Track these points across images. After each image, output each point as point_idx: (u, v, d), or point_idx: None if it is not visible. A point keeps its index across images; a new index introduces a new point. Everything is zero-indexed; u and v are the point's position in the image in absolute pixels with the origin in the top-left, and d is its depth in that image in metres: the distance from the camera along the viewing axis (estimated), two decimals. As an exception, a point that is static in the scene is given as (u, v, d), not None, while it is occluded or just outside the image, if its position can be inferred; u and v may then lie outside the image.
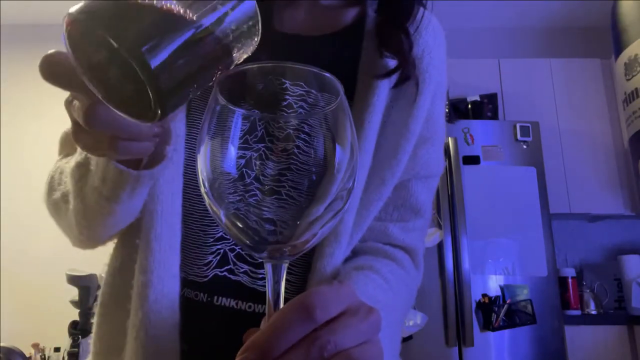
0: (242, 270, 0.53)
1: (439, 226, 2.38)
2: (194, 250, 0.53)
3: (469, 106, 2.86)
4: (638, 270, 2.71)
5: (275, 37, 0.58)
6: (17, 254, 3.00)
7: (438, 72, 0.60)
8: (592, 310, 2.70)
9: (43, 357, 2.60)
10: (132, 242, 0.52)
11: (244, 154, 0.29)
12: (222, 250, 0.53)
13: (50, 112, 3.29)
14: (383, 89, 0.56)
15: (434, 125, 0.61)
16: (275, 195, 0.29)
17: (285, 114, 0.30)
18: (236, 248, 0.53)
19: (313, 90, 0.57)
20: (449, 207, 2.41)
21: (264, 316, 0.50)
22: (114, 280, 0.55)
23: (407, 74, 0.56)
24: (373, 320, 0.30)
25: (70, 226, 0.52)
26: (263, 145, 0.29)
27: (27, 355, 2.45)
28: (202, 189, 0.30)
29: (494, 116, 2.87)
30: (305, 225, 0.30)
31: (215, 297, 0.52)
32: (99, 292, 0.56)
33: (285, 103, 0.57)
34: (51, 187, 0.54)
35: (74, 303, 2.21)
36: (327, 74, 0.30)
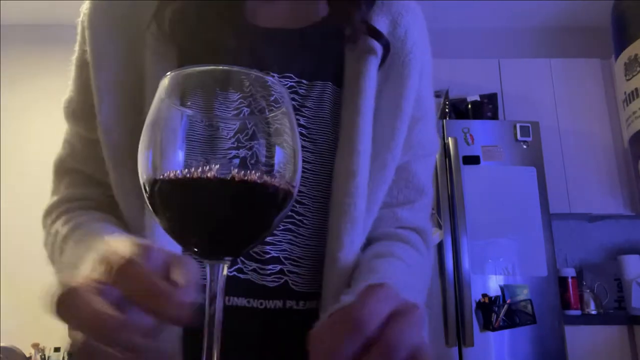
0: (250, 268, 0.53)
1: (439, 226, 2.38)
2: None
3: (469, 106, 2.86)
4: (638, 270, 2.71)
5: (259, 32, 0.58)
6: (17, 253, 3.00)
7: (421, 51, 0.61)
8: (592, 310, 2.70)
9: (43, 357, 2.60)
10: None
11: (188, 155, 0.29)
12: None
13: (50, 112, 3.28)
14: (372, 73, 0.56)
15: (423, 104, 0.62)
16: None
17: (225, 116, 0.30)
18: None
19: (304, 80, 0.57)
20: (449, 207, 2.41)
21: (275, 311, 0.52)
22: None
23: (355, 37, 0.56)
24: (419, 316, 0.32)
25: None
26: (210, 144, 0.29)
27: (27, 355, 2.45)
28: (145, 194, 0.30)
29: (494, 116, 2.87)
30: None
31: (227, 298, 0.52)
32: None
33: (272, 98, 0.57)
34: (51, 257, 0.55)
35: (74, 303, 2.21)
36: (269, 78, 0.31)
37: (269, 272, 0.53)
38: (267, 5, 0.59)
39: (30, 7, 3.24)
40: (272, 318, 0.52)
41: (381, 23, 0.59)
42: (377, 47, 0.57)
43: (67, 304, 0.29)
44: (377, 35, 0.57)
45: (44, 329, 2.69)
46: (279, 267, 0.53)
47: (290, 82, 0.57)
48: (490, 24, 3.51)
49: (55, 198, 0.60)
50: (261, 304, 0.52)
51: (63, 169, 0.61)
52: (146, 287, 0.29)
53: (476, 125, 2.59)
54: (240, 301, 0.52)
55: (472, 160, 2.51)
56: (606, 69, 3.10)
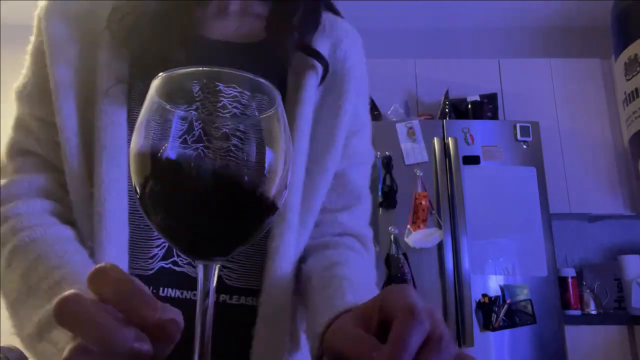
0: (185, 261, 0.56)
1: (439, 226, 2.38)
2: (140, 245, 0.56)
3: (469, 106, 2.86)
4: (638, 270, 2.71)
5: (209, 45, 0.63)
6: (17, 254, 3.00)
7: (360, 72, 0.69)
8: (592, 310, 2.70)
9: (43, 357, 2.60)
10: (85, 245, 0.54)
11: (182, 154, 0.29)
12: (166, 244, 0.56)
13: (50, 112, 3.28)
14: (311, 86, 0.62)
15: (359, 119, 0.69)
16: None
17: (222, 116, 0.30)
18: None
19: (246, 91, 0.59)
20: (449, 207, 2.41)
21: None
22: None
23: (286, 60, 0.63)
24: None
25: None
26: (201, 145, 0.29)
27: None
28: (136, 194, 0.30)
29: (494, 116, 2.87)
30: None
31: (161, 289, 0.55)
32: None
33: (220, 104, 0.59)
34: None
35: (74, 303, 2.21)
36: (261, 80, 0.31)
37: None
38: (217, 20, 0.65)
39: (30, 7, 3.24)
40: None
41: (322, 46, 0.66)
42: (318, 65, 0.63)
43: (66, 307, 0.29)
44: (317, 56, 0.63)
45: (44, 329, 2.69)
46: None
47: (234, 91, 0.59)
48: (489, 24, 3.51)
49: (2, 182, 0.59)
50: (194, 295, 0.55)
51: (15, 151, 0.61)
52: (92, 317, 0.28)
53: (476, 125, 2.59)
54: (174, 293, 0.55)
55: (472, 160, 2.51)
56: (606, 69, 3.10)
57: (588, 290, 2.80)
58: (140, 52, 0.57)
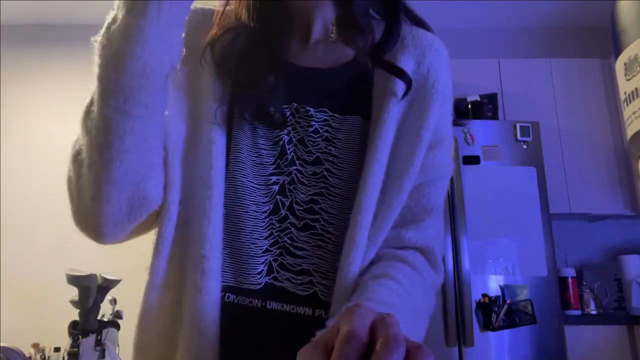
0: (284, 277, 0.60)
1: (439, 226, 2.38)
2: (248, 262, 0.60)
3: (469, 106, 2.86)
4: (638, 270, 2.71)
5: (296, 71, 0.67)
6: (17, 253, 3.00)
7: (443, 87, 0.68)
8: (592, 310, 2.70)
9: (43, 357, 2.60)
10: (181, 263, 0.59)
11: None
12: (268, 261, 0.61)
13: (50, 111, 3.28)
14: (394, 107, 0.64)
15: (440, 133, 0.68)
16: None
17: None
18: (278, 258, 0.60)
19: (336, 115, 0.65)
20: (449, 207, 2.41)
21: (305, 316, 0.60)
22: (158, 293, 0.61)
23: (364, 62, 0.66)
24: (397, 320, 0.35)
25: (84, 197, 0.54)
26: None
27: (27, 355, 2.45)
28: None
29: (494, 116, 2.87)
30: None
31: (268, 302, 0.60)
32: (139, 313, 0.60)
33: (311, 129, 0.65)
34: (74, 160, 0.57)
35: (74, 303, 2.20)
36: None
37: (299, 281, 0.60)
38: (304, 49, 0.69)
39: (31, 7, 3.24)
40: (302, 322, 0.59)
41: (406, 62, 0.66)
42: (401, 83, 0.64)
43: None
44: (400, 74, 0.64)
45: (44, 329, 2.69)
46: (309, 278, 0.60)
47: (325, 115, 0.65)
48: (490, 24, 3.51)
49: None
50: (293, 308, 0.60)
51: None
52: None
53: (476, 125, 2.59)
54: (277, 306, 0.60)
55: (472, 160, 2.51)
56: (606, 69, 3.10)
57: (588, 290, 2.80)
58: (234, 74, 0.62)
